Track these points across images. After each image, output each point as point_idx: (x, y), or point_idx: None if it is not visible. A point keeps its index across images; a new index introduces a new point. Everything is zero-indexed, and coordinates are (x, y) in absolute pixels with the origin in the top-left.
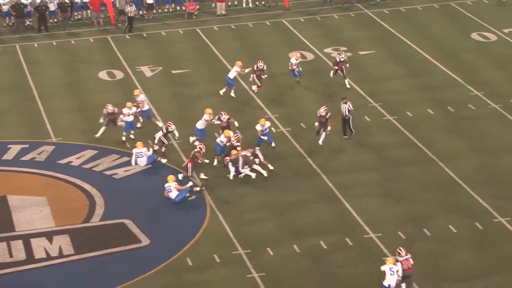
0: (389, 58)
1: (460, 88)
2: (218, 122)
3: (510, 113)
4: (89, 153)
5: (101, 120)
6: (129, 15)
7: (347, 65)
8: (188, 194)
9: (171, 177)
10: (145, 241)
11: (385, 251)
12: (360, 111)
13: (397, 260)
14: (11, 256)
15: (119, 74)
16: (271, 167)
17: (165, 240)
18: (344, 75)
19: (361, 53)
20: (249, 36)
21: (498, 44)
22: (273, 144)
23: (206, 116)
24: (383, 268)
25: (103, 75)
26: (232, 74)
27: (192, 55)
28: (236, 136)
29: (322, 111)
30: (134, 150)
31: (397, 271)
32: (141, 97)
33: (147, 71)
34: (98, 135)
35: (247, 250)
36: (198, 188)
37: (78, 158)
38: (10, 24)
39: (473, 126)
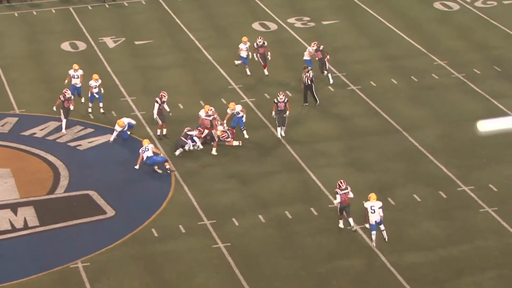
0: (352, 28)
1: (423, 58)
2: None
3: (473, 82)
4: (52, 124)
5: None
6: None
7: (327, 56)
8: (156, 165)
9: (146, 140)
10: (110, 212)
11: (349, 220)
12: (324, 81)
13: (336, 192)
14: None
15: (81, 45)
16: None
17: (130, 211)
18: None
19: (324, 23)
20: (211, 6)
21: (461, 13)
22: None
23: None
24: (366, 205)
25: (65, 46)
26: (243, 53)
27: (155, 25)
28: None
29: (281, 97)
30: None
31: (379, 208)
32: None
33: (110, 42)
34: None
35: (212, 221)
36: (168, 167)
37: (41, 130)
38: None
39: (436, 95)
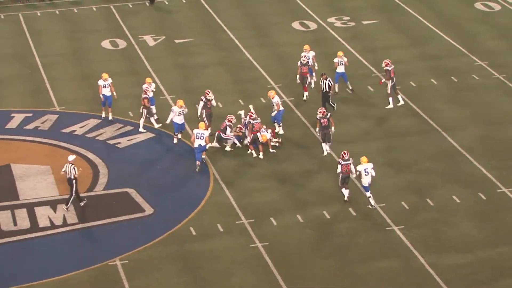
0: (392, 28)
1: (463, 58)
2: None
3: None
4: (92, 122)
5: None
6: None
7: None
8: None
9: (202, 124)
10: (148, 210)
11: (388, 221)
12: (364, 81)
13: (338, 162)
14: (15, 224)
15: (122, 43)
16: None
17: (168, 209)
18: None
19: (364, 22)
20: (251, 4)
21: (502, 14)
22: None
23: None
24: (359, 168)
25: (106, 44)
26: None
27: (195, 24)
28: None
29: (319, 114)
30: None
31: (372, 168)
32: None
33: (150, 40)
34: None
35: (251, 220)
36: (205, 157)
37: (81, 127)
38: None
39: (476, 96)
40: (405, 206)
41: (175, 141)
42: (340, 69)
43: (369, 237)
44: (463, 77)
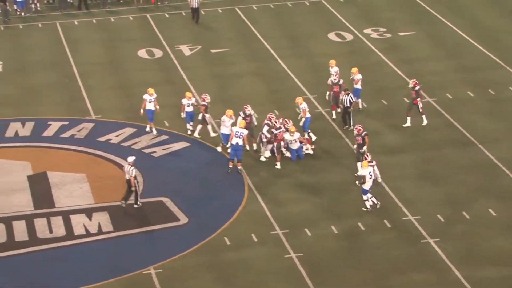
0: (428, 39)
1: (500, 70)
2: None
3: None
4: (128, 131)
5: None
6: (194, 6)
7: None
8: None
9: (243, 122)
10: (183, 219)
11: (424, 234)
12: (399, 93)
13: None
14: (51, 232)
15: (158, 53)
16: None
17: (203, 219)
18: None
19: (401, 34)
20: (287, 15)
21: None
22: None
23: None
24: (363, 173)
25: (142, 53)
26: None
27: (231, 34)
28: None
29: (355, 131)
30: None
31: (374, 170)
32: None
33: (186, 50)
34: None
35: (285, 230)
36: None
37: (117, 136)
38: (51, 1)
39: None
40: (440, 219)
41: (218, 149)
42: (357, 85)
43: (404, 249)
44: (499, 89)
